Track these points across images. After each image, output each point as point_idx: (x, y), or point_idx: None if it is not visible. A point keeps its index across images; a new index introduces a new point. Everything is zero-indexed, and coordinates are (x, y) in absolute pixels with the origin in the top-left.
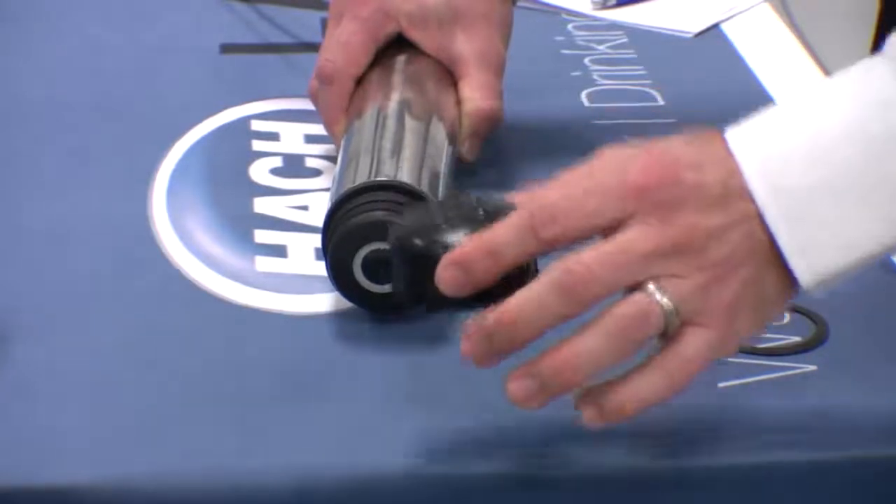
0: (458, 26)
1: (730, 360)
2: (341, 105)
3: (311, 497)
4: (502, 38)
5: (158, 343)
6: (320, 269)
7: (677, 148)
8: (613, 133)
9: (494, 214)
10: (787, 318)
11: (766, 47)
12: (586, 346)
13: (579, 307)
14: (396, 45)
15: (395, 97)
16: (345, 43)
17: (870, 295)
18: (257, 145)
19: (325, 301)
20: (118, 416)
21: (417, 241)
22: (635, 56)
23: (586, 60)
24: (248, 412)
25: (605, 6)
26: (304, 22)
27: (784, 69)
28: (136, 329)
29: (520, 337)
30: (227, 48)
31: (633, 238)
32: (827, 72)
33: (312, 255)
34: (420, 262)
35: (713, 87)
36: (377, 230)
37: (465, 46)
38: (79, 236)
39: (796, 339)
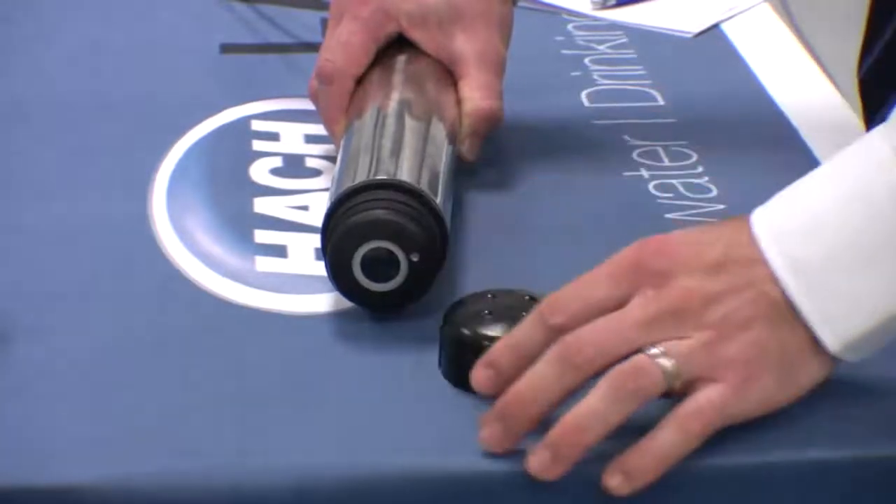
0: (458, 26)
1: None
2: (341, 105)
3: (311, 497)
4: (502, 38)
5: (158, 343)
6: (320, 269)
7: (685, 233)
8: (613, 133)
9: None
10: None
11: (766, 47)
12: (590, 407)
13: (578, 375)
14: (397, 44)
15: (395, 97)
16: (345, 43)
17: None
18: (257, 145)
19: (325, 301)
20: (118, 416)
21: (465, 331)
22: (635, 56)
23: (586, 60)
24: (248, 412)
25: (605, 6)
26: (304, 22)
27: (784, 69)
28: (136, 329)
29: (528, 413)
30: (227, 48)
31: (628, 309)
32: (827, 71)
33: (312, 255)
34: (464, 349)
35: (713, 87)
36: (376, 228)
37: (466, 46)
38: (79, 236)
39: None
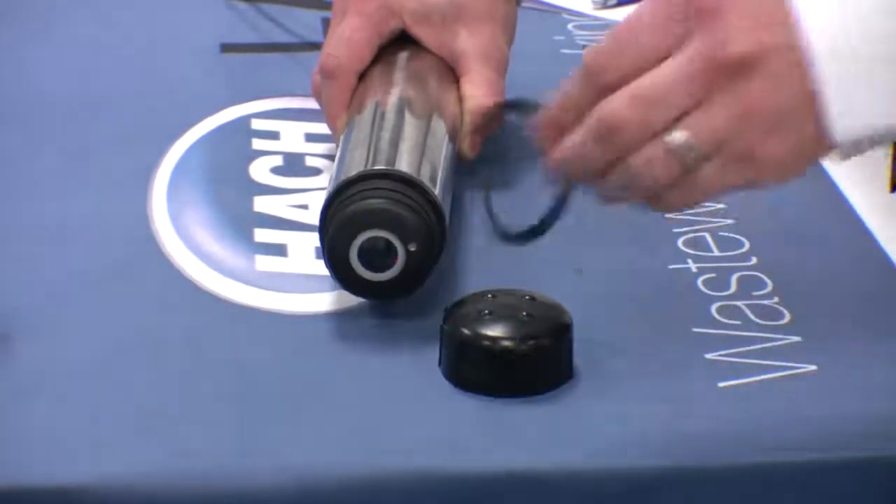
0: (461, 23)
1: (730, 360)
2: (343, 100)
3: (312, 497)
4: (505, 37)
5: (158, 343)
6: (320, 268)
7: None
8: None
9: (542, 313)
10: (787, 317)
11: None
12: (609, 190)
13: (621, 152)
14: (399, 42)
15: (397, 93)
16: (348, 38)
17: (870, 295)
18: (257, 144)
19: (325, 301)
20: (118, 415)
21: (465, 331)
22: None
23: None
24: (247, 412)
25: (605, 6)
26: (304, 21)
27: None
28: (136, 329)
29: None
30: (227, 47)
31: (677, 64)
32: None
33: (313, 254)
34: (464, 349)
35: None
36: (374, 218)
37: (468, 43)
38: (79, 236)
39: (797, 338)
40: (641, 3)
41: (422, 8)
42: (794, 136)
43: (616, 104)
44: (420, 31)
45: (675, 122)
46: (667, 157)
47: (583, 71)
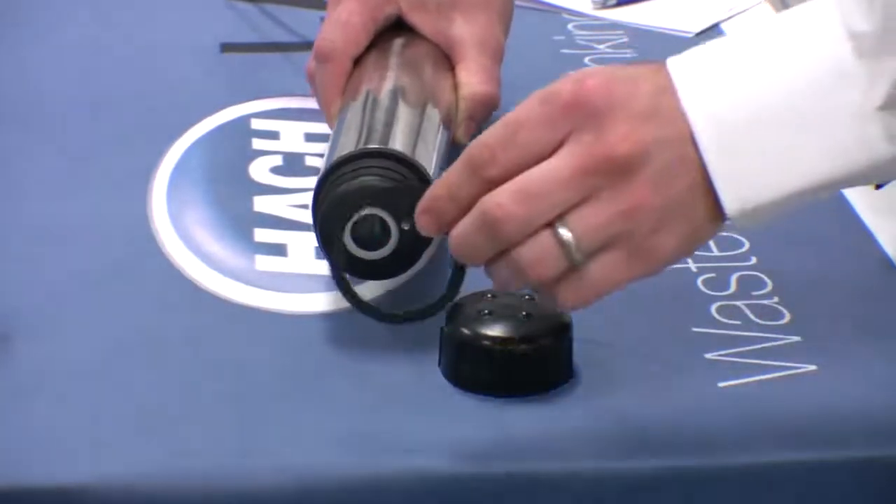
0: (456, 11)
1: (730, 360)
2: (338, 84)
3: (312, 497)
4: (502, 26)
5: (158, 343)
6: (320, 268)
7: (611, 69)
8: None
9: (541, 313)
10: (787, 317)
11: None
12: (498, 280)
13: (506, 243)
14: (395, 29)
15: (391, 80)
16: (344, 22)
17: (870, 295)
18: (257, 144)
19: (325, 301)
20: (118, 415)
21: (465, 331)
22: (635, 56)
23: (586, 60)
24: (247, 412)
25: (605, 6)
26: (304, 21)
27: None
28: (136, 329)
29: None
30: (227, 47)
31: (563, 163)
32: None
33: (312, 253)
34: (464, 349)
35: None
36: (367, 195)
37: (464, 30)
38: (79, 236)
39: (797, 338)
40: (528, 99)
41: None
42: (686, 226)
43: (500, 198)
44: (416, 18)
45: (560, 217)
46: (551, 252)
47: (466, 162)
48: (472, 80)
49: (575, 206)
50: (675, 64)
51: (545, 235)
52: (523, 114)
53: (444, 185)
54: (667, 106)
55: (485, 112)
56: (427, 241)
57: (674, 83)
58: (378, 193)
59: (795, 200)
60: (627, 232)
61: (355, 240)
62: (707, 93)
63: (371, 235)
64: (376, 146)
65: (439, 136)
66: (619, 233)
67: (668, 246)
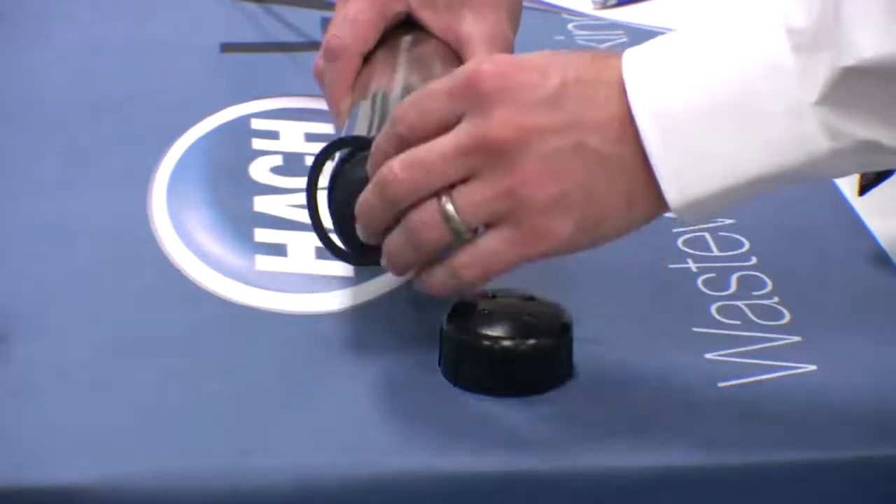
0: (466, 8)
1: (730, 360)
2: (347, 81)
3: (312, 497)
4: (511, 23)
5: (158, 342)
6: (320, 268)
7: (539, 55)
8: None
9: (542, 313)
10: (787, 317)
11: None
12: (391, 246)
13: (396, 208)
14: (404, 27)
15: (401, 77)
16: (353, 19)
17: (869, 294)
18: (257, 144)
19: (325, 301)
20: (118, 416)
21: (465, 331)
22: None
23: None
24: (247, 412)
25: (605, 6)
26: (304, 20)
27: None
28: (135, 328)
29: (363, 235)
30: (227, 47)
31: (449, 138)
32: None
33: (313, 253)
34: (464, 349)
35: None
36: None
37: (473, 28)
38: (78, 235)
39: (797, 338)
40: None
41: None
42: (591, 213)
43: (392, 163)
44: (425, 15)
45: (447, 190)
46: (435, 219)
47: (392, 117)
48: None
49: (462, 181)
50: (628, 57)
51: (431, 203)
52: (437, 84)
53: (374, 144)
54: (576, 98)
55: None
56: None
57: (622, 77)
58: None
59: (740, 193)
60: (512, 211)
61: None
62: (650, 87)
63: None
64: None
65: None
66: (503, 211)
67: (562, 230)
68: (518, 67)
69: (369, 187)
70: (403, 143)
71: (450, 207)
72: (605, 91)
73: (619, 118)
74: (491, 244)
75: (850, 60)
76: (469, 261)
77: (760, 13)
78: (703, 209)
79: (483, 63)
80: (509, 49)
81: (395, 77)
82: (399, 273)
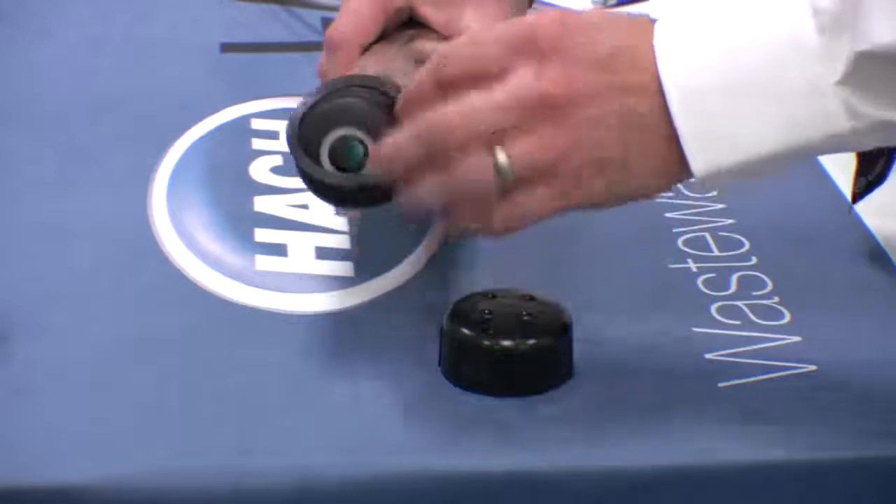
0: (468, 3)
1: (730, 360)
2: (345, 71)
3: (312, 497)
4: (514, 17)
5: (158, 342)
6: (321, 268)
7: (586, 15)
8: None
9: (542, 313)
10: (787, 317)
11: None
12: (424, 190)
13: (439, 149)
14: (407, 25)
15: (398, 71)
16: (354, 11)
17: (870, 294)
18: (257, 144)
19: (325, 301)
20: (118, 416)
21: (465, 331)
22: None
23: None
24: (247, 412)
25: (605, 6)
26: (304, 21)
27: None
28: (135, 328)
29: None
30: (227, 47)
31: (503, 87)
32: None
33: (313, 254)
34: (464, 349)
35: None
36: (345, 116)
37: (475, 24)
38: (78, 235)
39: (797, 338)
40: (498, 23)
41: None
42: (613, 177)
43: (447, 108)
44: (426, 10)
45: (500, 141)
46: (488, 169)
47: (431, 61)
48: None
49: (515, 132)
50: (659, 28)
51: (482, 154)
52: (489, 32)
53: (413, 84)
54: (631, 59)
55: None
56: None
57: (653, 46)
58: (355, 113)
59: (762, 165)
60: (553, 166)
61: (333, 162)
62: (680, 59)
63: (349, 156)
64: (360, 74)
65: None
66: (545, 166)
67: (595, 190)
68: (576, 25)
69: (409, 131)
70: (450, 85)
71: (503, 157)
72: (643, 58)
73: (654, 87)
74: (527, 197)
75: (865, 45)
76: (507, 211)
77: None
78: (725, 178)
79: (544, 17)
80: None
81: (391, 68)
82: (417, 213)
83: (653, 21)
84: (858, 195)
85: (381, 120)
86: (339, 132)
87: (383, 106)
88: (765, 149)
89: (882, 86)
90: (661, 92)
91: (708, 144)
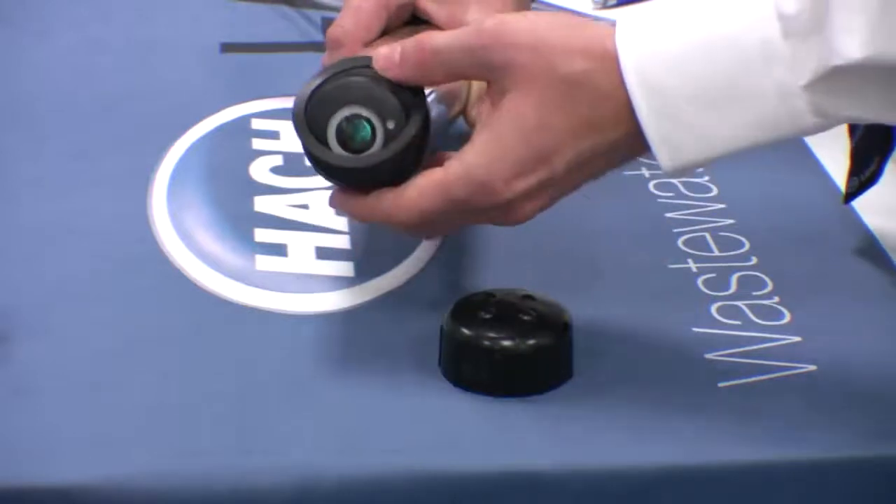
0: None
1: (730, 360)
2: None
3: (312, 497)
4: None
5: (158, 342)
6: (321, 268)
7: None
8: None
9: (542, 313)
10: (787, 317)
11: None
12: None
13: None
14: (410, 24)
15: None
16: (356, 8)
17: (870, 295)
18: (258, 144)
19: (325, 301)
20: (118, 416)
21: (465, 331)
22: None
23: None
24: (247, 412)
25: (605, 6)
26: (304, 21)
27: None
28: (136, 328)
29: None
30: (227, 47)
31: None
32: None
33: (313, 254)
34: (464, 349)
35: None
36: (351, 94)
37: (477, 18)
38: (79, 235)
39: (797, 338)
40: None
41: None
42: (596, 176)
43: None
44: (429, 7)
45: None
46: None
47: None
48: None
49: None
50: (621, 33)
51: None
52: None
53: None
54: (588, 89)
55: None
56: (414, 152)
57: (617, 52)
58: (363, 92)
59: (728, 156)
60: (555, 199)
61: (339, 141)
62: (644, 65)
63: (356, 136)
64: (365, 56)
65: (435, 105)
66: (547, 204)
67: (579, 185)
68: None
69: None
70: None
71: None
72: (606, 78)
73: (620, 100)
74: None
75: (838, 60)
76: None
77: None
78: (692, 171)
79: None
80: None
81: None
82: None
83: (611, 29)
84: (851, 195)
85: (387, 98)
86: (346, 111)
87: (389, 84)
88: (733, 146)
89: (847, 91)
90: (627, 100)
91: (675, 146)
